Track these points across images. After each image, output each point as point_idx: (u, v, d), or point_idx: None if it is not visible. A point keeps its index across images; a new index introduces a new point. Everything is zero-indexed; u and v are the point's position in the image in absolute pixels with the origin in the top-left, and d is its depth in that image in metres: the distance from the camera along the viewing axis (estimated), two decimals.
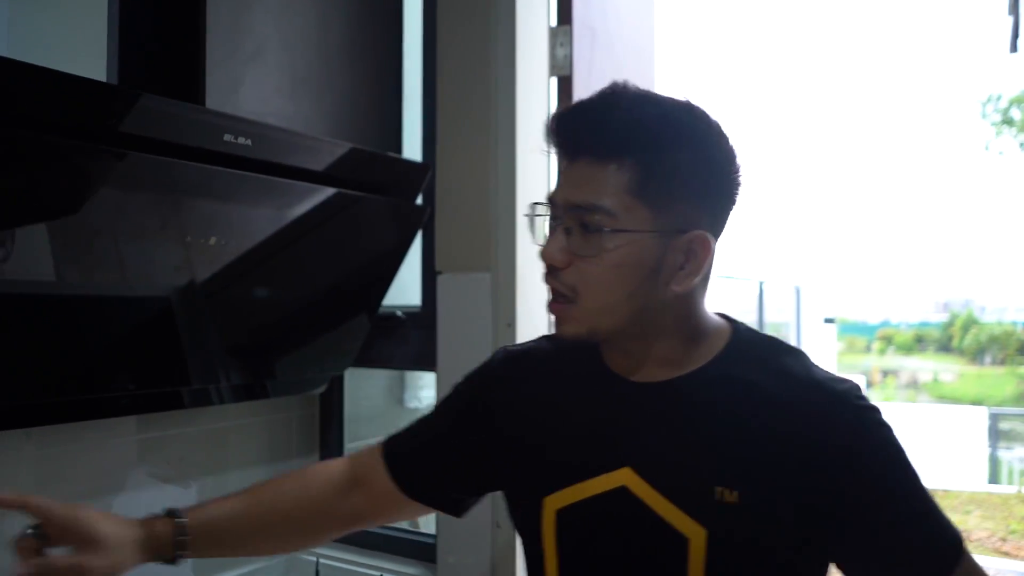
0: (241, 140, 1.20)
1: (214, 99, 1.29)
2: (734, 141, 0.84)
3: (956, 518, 6.92)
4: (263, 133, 1.24)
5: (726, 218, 0.86)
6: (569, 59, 1.71)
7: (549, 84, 1.71)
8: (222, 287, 1.38)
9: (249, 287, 1.43)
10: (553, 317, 0.86)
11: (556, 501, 0.88)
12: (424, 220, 1.63)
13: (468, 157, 1.61)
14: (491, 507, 1.53)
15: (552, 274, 0.84)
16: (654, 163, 0.79)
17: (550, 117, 0.83)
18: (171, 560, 0.93)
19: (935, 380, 21.36)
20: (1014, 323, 22.84)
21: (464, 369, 1.05)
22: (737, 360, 0.86)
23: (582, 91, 1.79)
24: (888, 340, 26.45)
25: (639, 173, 0.79)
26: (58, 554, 0.87)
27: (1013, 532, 6.55)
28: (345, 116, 1.57)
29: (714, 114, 0.83)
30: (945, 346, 25.32)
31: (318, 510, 1.02)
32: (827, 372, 0.88)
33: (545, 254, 0.82)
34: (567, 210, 0.81)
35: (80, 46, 1.22)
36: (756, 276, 6.17)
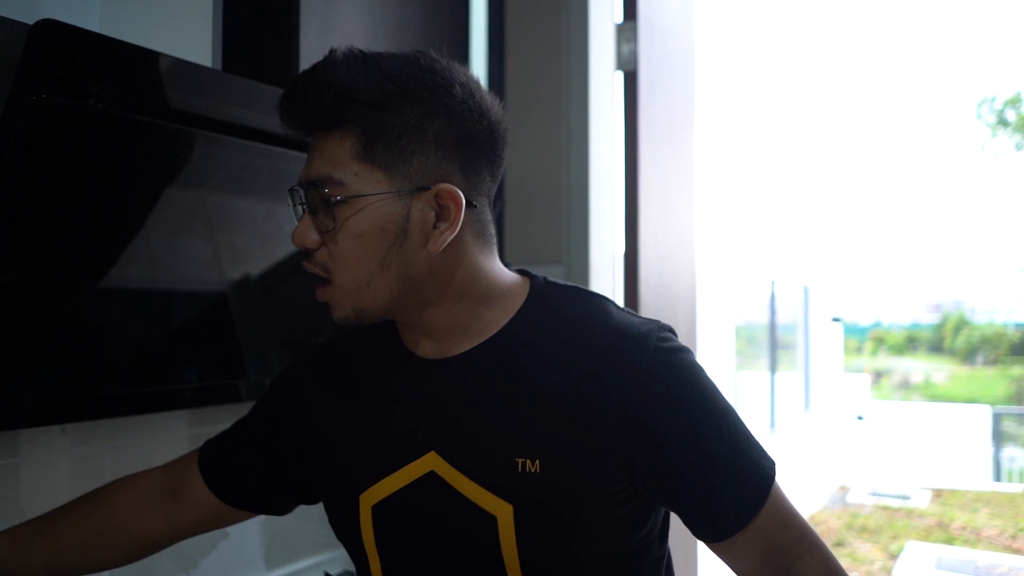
0: None
1: None
2: (479, 90, 0.80)
3: (964, 516, 6.99)
4: None
5: (487, 169, 0.82)
6: (634, 55, 1.73)
7: (614, 79, 1.72)
8: (277, 282, 1.39)
9: (304, 282, 1.43)
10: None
11: (370, 497, 0.84)
12: (495, 213, 1.64)
13: (539, 152, 1.63)
14: None
15: (307, 258, 0.80)
16: (377, 124, 0.75)
17: (279, 98, 0.78)
18: None
19: (927, 381, 21.49)
20: (1005, 324, 23.03)
21: None
22: (534, 319, 0.83)
23: (646, 86, 1.81)
24: (880, 341, 26.60)
25: (363, 137, 0.75)
26: None
27: (1023, 530, 6.60)
28: None
29: (453, 65, 0.79)
30: (937, 347, 25.49)
31: (122, 531, 0.96)
32: (631, 316, 0.85)
33: (293, 238, 0.78)
34: (306, 189, 0.77)
35: (183, 35, 1.22)
36: (767, 276, 6.20)
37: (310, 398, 0.92)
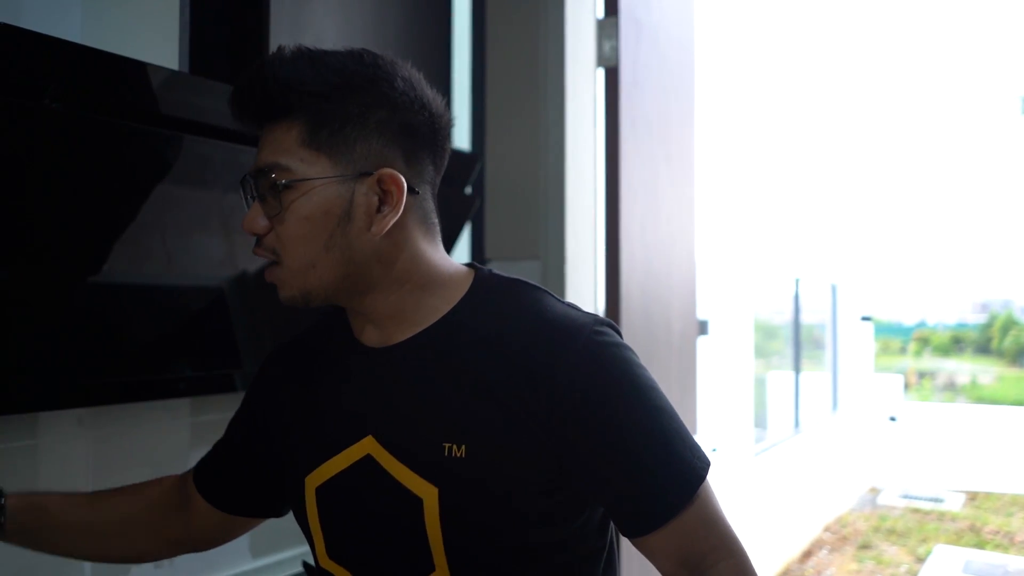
0: None
1: None
2: (421, 84, 0.84)
3: (998, 520, 6.82)
4: None
5: (429, 159, 0.85)
6: (616, 51, 1.73)
7: (596, 75, 1.73)
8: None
9: None
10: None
11: (314, 479, 0.88)
12: (474, 210, 1.66)
13: (517, 148, 1.64)
14: None
15: (257, 244, 0.83)
16: (320, 113, 0.79)
17: (231, 93, 0.83)
18: None
19: (973, 383, 20.95)
20: None
21: None
22: (473, 309, 0.86)
23: (629, 82, 1.81)
24: (924, 341, 26.01)
25: (308, 125, 0.79)
26: None
27: None
28: None
29: (396, 62, 0.83)
30: (984, 348, 24.85)
31: (151, 527, 1.02)
32: (571, 309, 0.86)
33: (244, 224, 0.82)
34: (255, 178, 0.81)
35: (153, 37, 1.27)
36: (791, 273, 6.12)
37: (276, 391, 0.96)
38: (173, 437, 1.58)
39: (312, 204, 0.79)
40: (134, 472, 1.49)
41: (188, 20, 1.22)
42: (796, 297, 6.33)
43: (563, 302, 0.88)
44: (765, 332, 6.51)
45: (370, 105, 0.79)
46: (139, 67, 1.04)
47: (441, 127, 0.85)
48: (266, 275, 0.83)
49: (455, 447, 0.80)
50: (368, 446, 0.84)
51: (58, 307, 1.17)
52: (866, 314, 8.30)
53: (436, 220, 0.87)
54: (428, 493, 0.81)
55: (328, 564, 0.89)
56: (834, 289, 7.35)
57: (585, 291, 1.61)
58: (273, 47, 1.33)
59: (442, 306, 0.85)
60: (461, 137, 1.79)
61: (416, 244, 0.84)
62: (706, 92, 4.10)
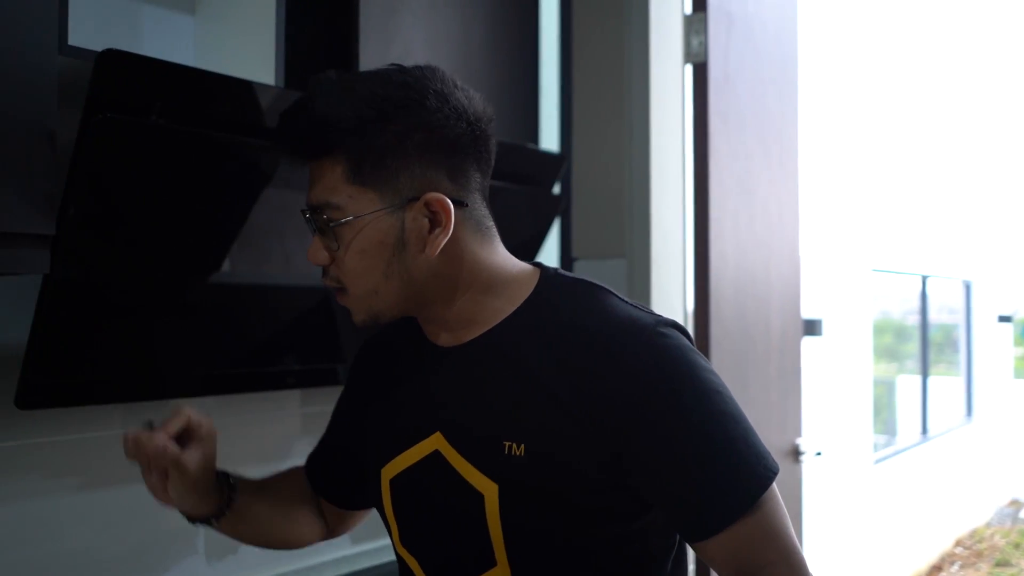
0: None
1: None
2: (454, 93, 0.83)
3: None
4: None
5: (475, 167, 0.86)
6: (704, 46, 1.71)
7: (684, 72, 1.72)
8: None
9: None
10: None
11: (389, 471, 0.92)
12: (561, 209, 1.68)
13: (603, 147, 1.66)
14: None
15: (323, 273, 0.87)
16: (360, 149, 0.80)
17: (275, 134, 0.86)
18: (205, 519, 0.95)
19: None
20: None
21: None
22: (537, 308, 0.86)
23: (719, 77, 1.79)
24: None
25: (350, 162, 0.81)
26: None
27: None
28: None
29: (426, 74, 0.83)
30: None
31: (303, 512, 1.07)
32: (636, 309, 0.86)
33: (308, 257, 0.86)
34: (311, 213, 0.84)
35: (253, 55, 1.36)
36: (919, 270, 5.78)
37: (361, 386, 1.02)
38: (283, 427, 1.68)
39: (366, 238, 0.82)
40: (250, 460, 1.61)
41: (283, 37, 1.31)
42: (923, 296, 5.98)
43: (628, 302, 0.88)
44: (897, 333, 6.18)
45: (406, 131, 0.81)
46: (236, 83, 1.12)
47: (481, 131, 0.85)
48: (338, 300, 0.88)
49: (514, 445, 0.82)
50: (436, 442, 0.87)
51: (185, 306, 1.29)
52: (1005, 314, 7.71)
53: (491, 223, 0.89)
54: (489, 489, 0.83)
55: (402, 551, 0.94)
56: (968, 287, 6.89)
57: (672, 289, 1.60)
58: (363, 59, 1.41)
59: (506, 307, 0.87)
60: (549, 138, 1.82)
61: (473, 253, 0.86)
62: (819, 83, 3.95)
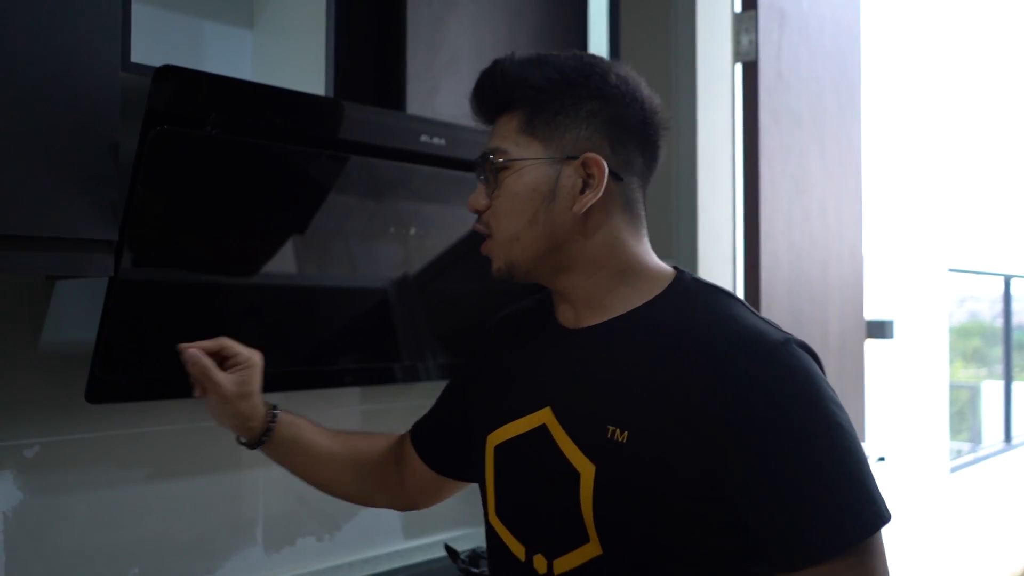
0: (436, 140, 1.34)
1: (414, 105, 1.44)
2: (638, 83, 0.90)
3: None
4: (455, 134, 1.37)
5: (637, 150, 0.89)
6: (754, 44, 1.70)
7: (734, 71, 1.71)
8: (430, 278, 1.54)
9: (452, 277, 1.57)
10: None
11: (495, 438, 0.95)
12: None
13: None
14: None
15: (477, 220, 0.93)
16: (537, 104, 0.88)
17: (471, 91, 0.93)
18: (249, 442, 1.07)
19: None
20: None
21: None
22: (666, 305, 0.88)
23: (771, 75, 1.76)
24: None
25: (526, 114, 0.88)
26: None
27: None
28: None
29: (614, 62, 0.91)
30: None
31: (373, 472, 1.14)
32: (769, 324, 0.85)
33: (469, 203, 0.92)
34: (481, 161, 0.91)
35: (306, 65, 1.43)
36: (1001, 270, 5.53)
37: (481, 357, 1.08)
38: (342, 424, 1.74)
39: (521, 182, 0.88)
40: None
41: (332, 49, 1.36)
42: (1007, 297, 5.72)
43: (762, 317, 0.87)
44: (986, 336, 5.94)
45: (583, 97, 0.87)
46: (286, 94, 1.18)
47: (653, 123, 0.90)
48: (482, 248, 0.94)
49: (618, 431, 0.83)
50: (544, 416, 0.90)
51: (249, 306, 1.35)
52: None
53: (642, 213, 0.92)
54: (586, 469, 0.84)
55: (495, 521, 0.96)
56: None
57: None
58: (411, 69, 1.45)
59: (635, 298, 0.89)
60: None
61: (617, 230, 0.90)
62: (893, 79, 3.83)
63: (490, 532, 0.97)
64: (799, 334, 0.87)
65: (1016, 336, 5.88)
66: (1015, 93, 5.88)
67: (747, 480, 0.79)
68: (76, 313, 1.30)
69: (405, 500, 1.17)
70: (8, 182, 0.96)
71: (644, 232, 0.93)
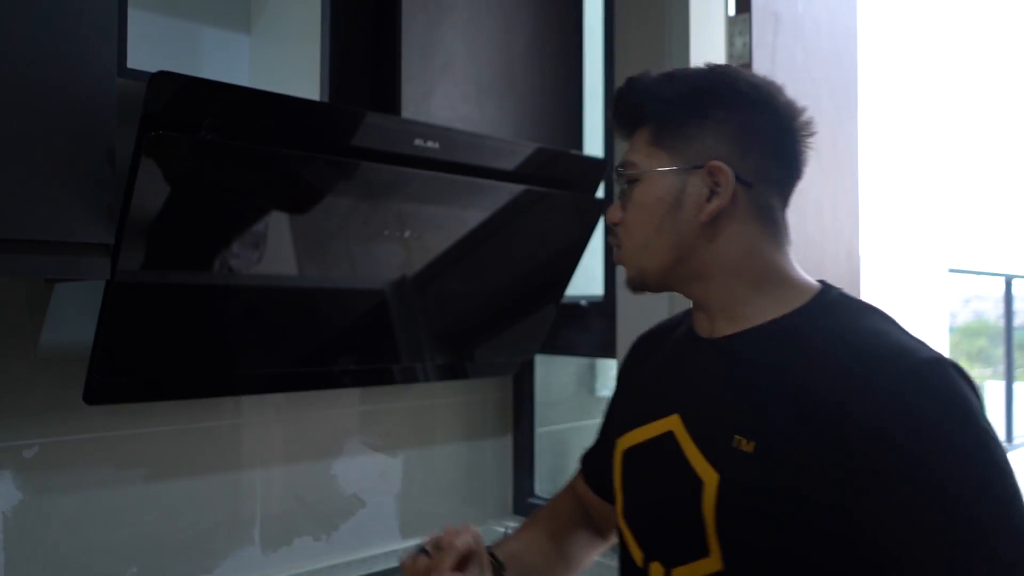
0: (430, 144, 1.35)
1: (408, 109, 1.45)
2: (771, 90, 0.89)
3: None
4: (449, 136, 1.38)
5: (770, 158, 0.88)
6: (748, 47, 1.70)
7: None
8: (428, 280, 1.55)
9: (450, 279, 1.58)
10: None
11: (624, 442, 0.97)
12: (604, 213, 1.70)
13: None
14: None
15: (610, 232, 0.95)
16: (666, 116, 0.89)
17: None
18: None
19: None
20: None
21: None
22: (807, 319, 0.85)
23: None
24: None
25: (655, 127, 0.90)
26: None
27: None
28: (528, 117, 1.69)
29: (746, 72, 0.90)
30: None
31: (575, 543, 1.13)
32: (920, 343, 0.79)
33: (605, 216, 0.95)
34: (617, 175, 0.93)
35: (303, 69, 1.44)
36: (1002, 270, 5.52)
37: (625, 372, 1.10)
38: (341, 424, 1.76)
39: (647, 192, 0.89)
40: (314, 449, 1.69)
41: (327, 54, 1.37)
42: (1008, 297, 5.72)
43: (913, 336, 0.82)
44: (990, 337, 5.93)
45: (710, 106, 0.87)
46: (280, 99, 1.19)
47: (789, 130, 0.88)
48: (615, 258, 0.96)
49: (744, 441, 0.81)
50: (672, 423, 0.90)
51: (247, 307, 1.36)
52: None
53: (783, 221, 0.90)
54: (710, 477, 0.83)
55: (623, 524, 0.97)
56: None
57: None
58: (406, 73, 1.47)
59: (774, 308, 0.87)
60: (593, 143, 1.84)
61: (750, 239, 0.88)
62: (892, 80, 3.84)
63: (620, 535, 0.99)
64: None
65: (1017, 336, 5.87)
66: (1015, 93, 5.87)
67: (878, 516, 0.72)
68: (75, 315, 1.32)
69: (608, 535, 1.15)
70: (6, 186, 0.98)
71: (786, 242, 0.90)
